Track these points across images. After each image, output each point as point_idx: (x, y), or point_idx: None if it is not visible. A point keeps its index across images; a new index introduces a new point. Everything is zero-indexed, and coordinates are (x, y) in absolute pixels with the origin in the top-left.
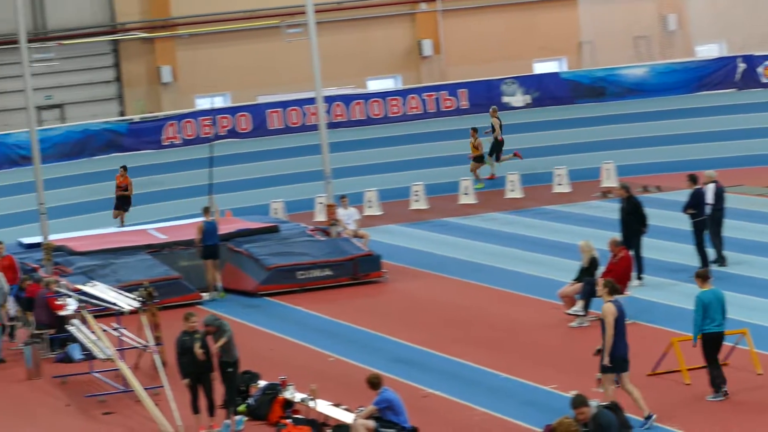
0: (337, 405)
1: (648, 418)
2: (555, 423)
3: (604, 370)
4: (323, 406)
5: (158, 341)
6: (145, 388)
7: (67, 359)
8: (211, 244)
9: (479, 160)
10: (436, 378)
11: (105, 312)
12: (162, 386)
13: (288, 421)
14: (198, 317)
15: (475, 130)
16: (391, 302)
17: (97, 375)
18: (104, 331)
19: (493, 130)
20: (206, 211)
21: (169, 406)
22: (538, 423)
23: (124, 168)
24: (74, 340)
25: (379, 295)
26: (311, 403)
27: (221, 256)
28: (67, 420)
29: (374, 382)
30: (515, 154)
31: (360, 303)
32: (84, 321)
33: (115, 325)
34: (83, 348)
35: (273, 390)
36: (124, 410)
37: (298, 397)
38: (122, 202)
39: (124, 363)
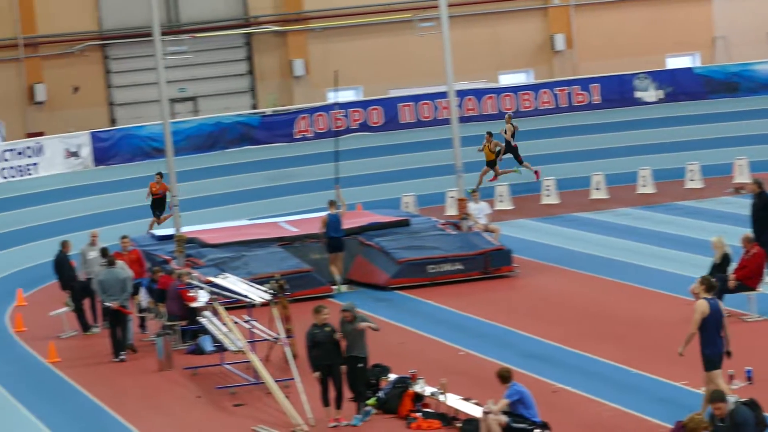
0: (467, 399)
1: None
2: (686, 419)
3: (706, 368)
4: (453, 400)
5: (289, 334)
6: (276, 381)
7: (199, 351)
8: (334, 236)
9: (492, 164)
10: (567, 373)
11: (236, 304)
12: (293, 379)
13: (418, 414)
14: (329, 310)
15: (490, 134)
16: (521, 297)
17: (228, 367)
18: (235, 323)
19: (505, 133)
20: (332, 204)
21: (300, 399)
22: (669, 419)
23: (160, 175)
24: (205, 331)
25: (510, 290)
26: (441, 397)
27: (352, 250)
28: (197, 411)
29: (505, 376)
30: (536, 173)
31: (491, 297)
32: (215, 313)
33: (246, 318)
34: (214, 340)
35: (403, 383)
36: (254, 402)
37: (428, 390)
38: (156, 205)
39: (255, 355)
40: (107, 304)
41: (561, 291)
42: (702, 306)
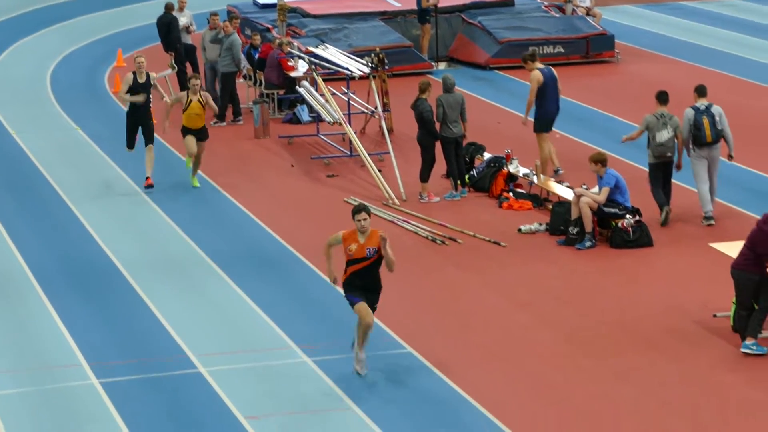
0: (559, 182)
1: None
2: None
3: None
4: (545, 182)
5: (386, 108)
6: (370, 154)
7: (295, 120)
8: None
9: None
10: None
11: (335, 76)
12: (387, 153)
13: (509, 194)
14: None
15: None
16: (621, 83)
17: (323, 138)
18: (333, 94)
19: None
20: None
21: (394, 173)
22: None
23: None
24: (303, 101)
25: (610, 75)
26: (534, 179)
27: (454, 28)
28: (291, 180)
29: (600, 160)
30: None
31: (590, 82)
32: (314, 83)
33: (345, 90)
34: (311, 110)
35: (497, 163)
36: (348, 174)
37: (521, 171)
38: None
39: (351, 127)
40: (217, 68)
41: (662, 79)
42: (536, 75)
